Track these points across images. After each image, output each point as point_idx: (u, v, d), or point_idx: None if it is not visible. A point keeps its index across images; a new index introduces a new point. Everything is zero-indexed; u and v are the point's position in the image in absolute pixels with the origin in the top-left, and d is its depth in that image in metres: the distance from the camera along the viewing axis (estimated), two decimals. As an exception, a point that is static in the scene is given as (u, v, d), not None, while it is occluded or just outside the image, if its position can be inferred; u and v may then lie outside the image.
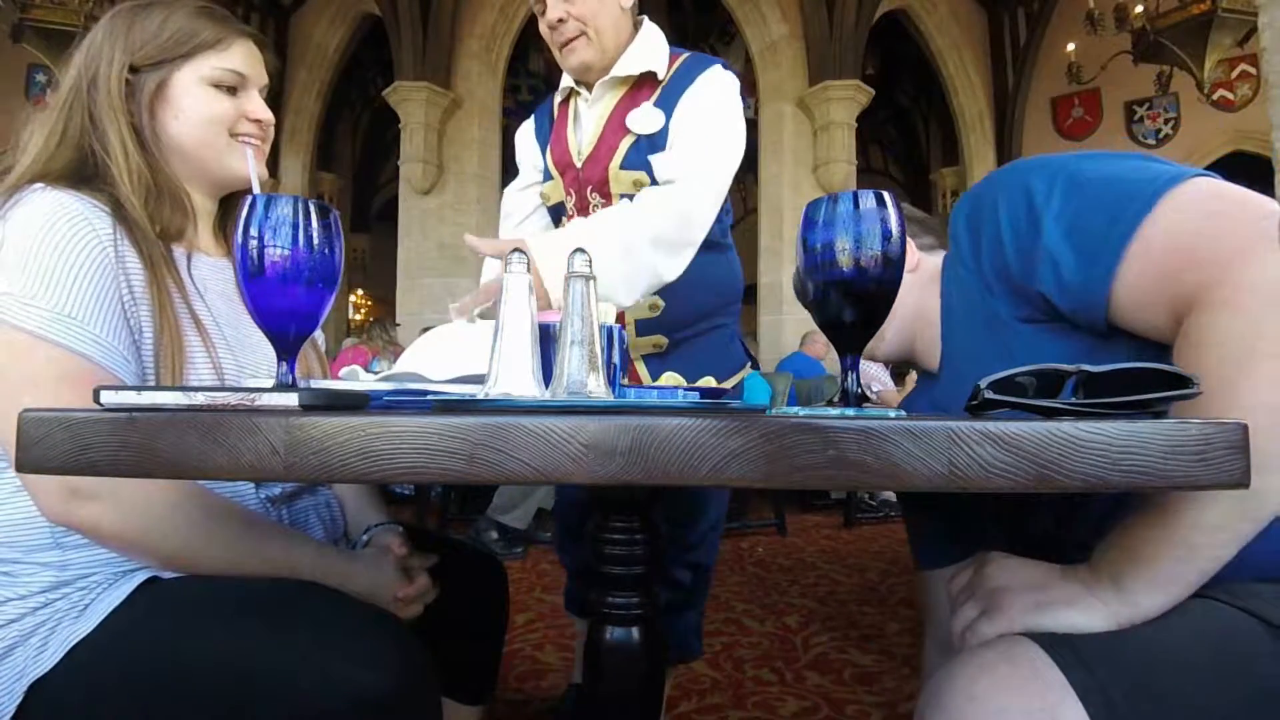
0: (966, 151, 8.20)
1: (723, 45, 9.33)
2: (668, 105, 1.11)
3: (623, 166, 1.12)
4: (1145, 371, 0.43)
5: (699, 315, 1.24)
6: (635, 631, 0.66)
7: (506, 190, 1.32)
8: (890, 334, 0.88)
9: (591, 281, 0.59)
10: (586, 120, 1.18)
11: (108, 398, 0.42)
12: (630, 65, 1.13)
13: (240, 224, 0.48)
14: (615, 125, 1.13)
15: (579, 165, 1.18)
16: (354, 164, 10.35)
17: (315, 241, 0.49)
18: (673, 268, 1.03)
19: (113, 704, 0.62)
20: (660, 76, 1.14)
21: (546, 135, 1.26)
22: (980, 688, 0.51)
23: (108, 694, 0.62)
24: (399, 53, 6.27)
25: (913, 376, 4.48)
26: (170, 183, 0.78)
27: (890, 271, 0.46)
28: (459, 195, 6.42)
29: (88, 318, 0.65)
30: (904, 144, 11.05)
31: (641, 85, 1.15)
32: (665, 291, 1.12)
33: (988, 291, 0.72)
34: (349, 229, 9.60)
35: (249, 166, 0.79)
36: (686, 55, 1.19)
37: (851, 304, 0.47)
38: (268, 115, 0.83)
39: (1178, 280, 0.56)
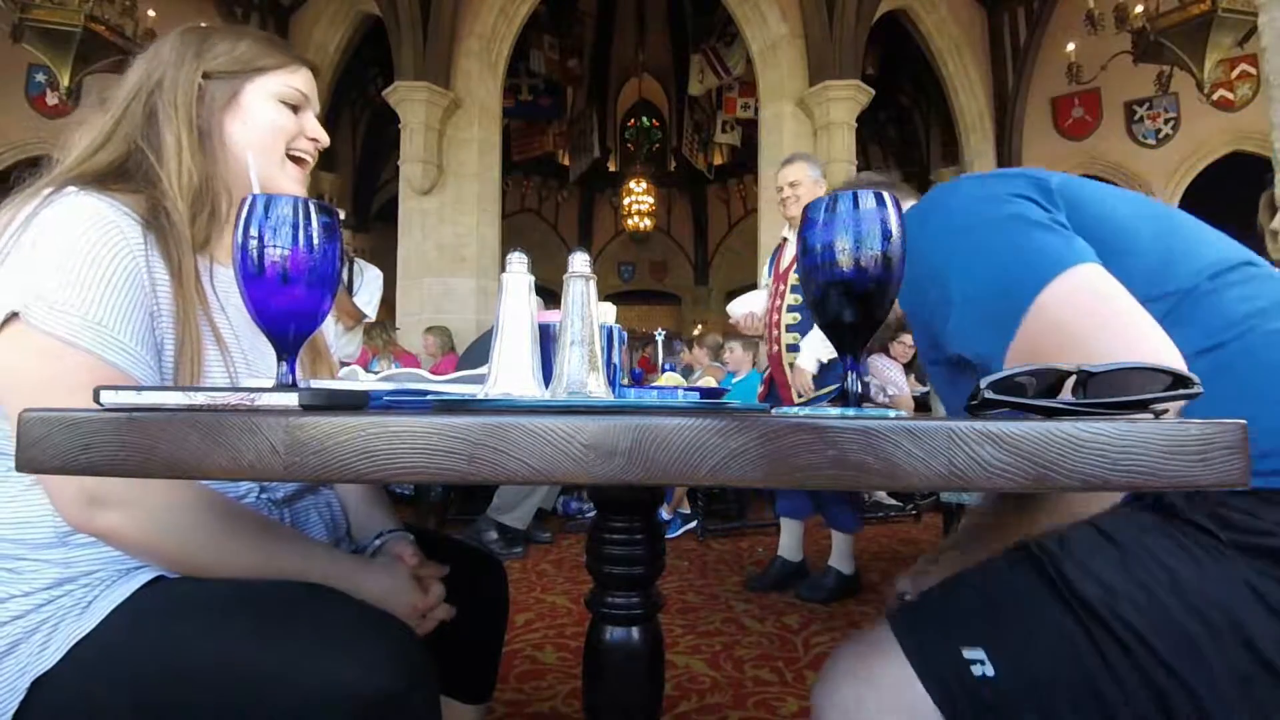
0: (966, 151, 8.20)
1: (723, 45, 9.34)
2: None
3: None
4: (1145, 371, 0.43)
5: None
6: (635, 631, 0.66)
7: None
8: None
9: (591, 281, 0.59)
10: (790, 248, 2.48)
11: (108, 398, 0.42)
12: None
13: (240, 224, 0.48)
14: None
15: (781, 271, 2.53)
16: (354, 164, 10.35)
17: (315, 241, 0.49)
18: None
19: (114, 701, 0.62)
20: None
21: (774, 259, 2.65)
22: (840, 649, 0.72)
23: (109, 691, 0.62)
24: (399, 53, 6.26)
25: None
26: (217, 188, 0.80)
27: (890, 271, 0.46)
28: (459, 195, 6.40)
29: (117, 326, 0.66)
30: (904, 144, 11.05)
31: None
32: (804, 332, 2.43)
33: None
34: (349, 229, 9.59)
35: (252, 175, 0.80)
36: None
37: (851, 304, 0.47)
38: (324, 137, 0.88)
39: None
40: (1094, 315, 0.65)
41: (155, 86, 0.78)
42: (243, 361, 0.78)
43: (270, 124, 0.82)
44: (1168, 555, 0.60)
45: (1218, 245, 0.73)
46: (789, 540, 2.69)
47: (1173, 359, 0.60)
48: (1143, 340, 0.62)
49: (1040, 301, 0.66)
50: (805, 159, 2.56)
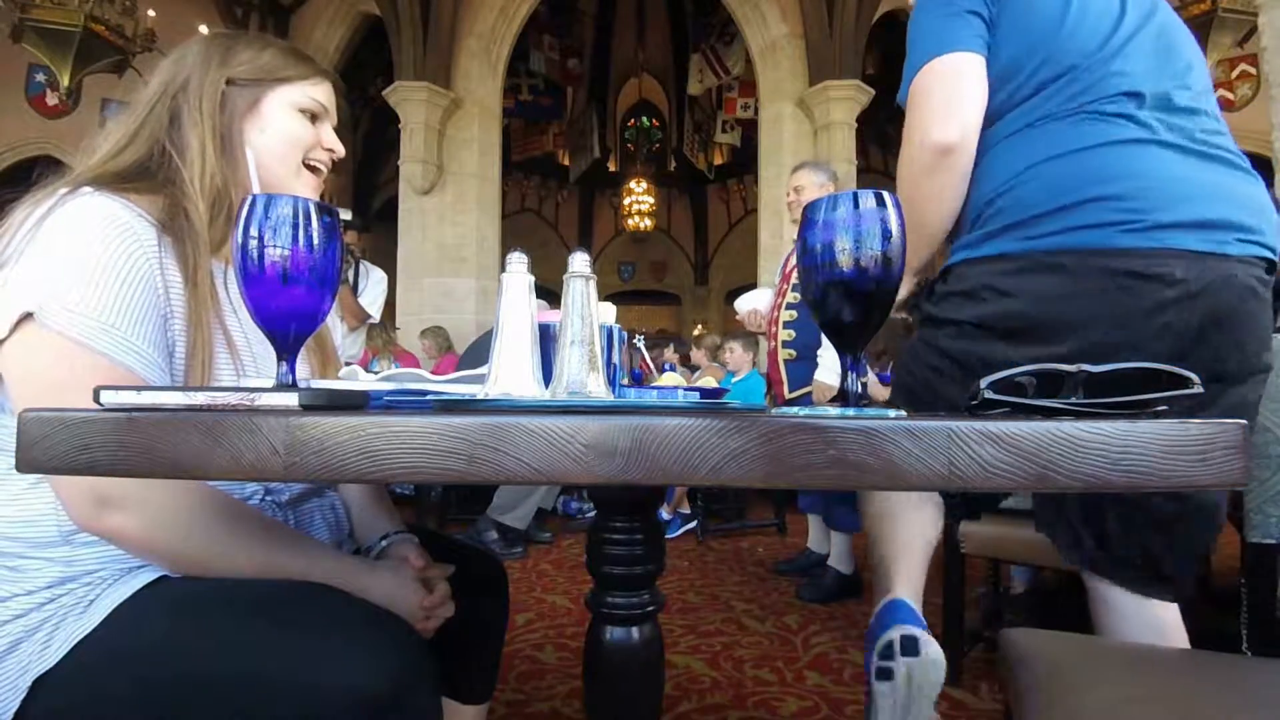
0: (966, 151, 8.17)
1: (723, 45, 9.33)
2: None
3: None
4: (1145, 371, 0.43)
5: (812, 345, 2.54)
6: (635, 631, 0.66)
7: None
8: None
9: (591, 281, 0.59)
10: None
11: (108, 398, 0.42)
12: None
13: (240, 224, 0.48)
14: None
15: (787, 271, 2.68)
16: (354, 164, 10.35)
17: (316, 241, 0.49)
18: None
19: (115, 700, 0.62)
20: None
21: (785, 260, 2.78)
22: None
23: (110, 690, 0.62)
24: (399, 53, 6.26)
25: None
26: (235, 192, 0.80)
27: (890, 271, 0.46)
28: (459, 195, 6.40)
29: (131, 328, 0.66)
30: (904, 144, 11.03)
31: None
32: (798, 330, 2.57)
33: None
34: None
35: (251, 173, 0.80)
36: None
37: (851, 304, 0.47)
38: (340, 148, 0.90)
39: None
40: (930, 92, 0.94)
41: (180, 89, 0.79)
42: (252, 364, 0.78)
43: (288, 132, 0.83)
44: (926, 352, 1.05)
45: (1095, 43, 0.90)
46: (817, 533, 2.82)
47: (952, 129, 0.91)
48: (943, 110, 0.91)
49: (919, 74, 0.95)
50: (812, 166, 2.72)
